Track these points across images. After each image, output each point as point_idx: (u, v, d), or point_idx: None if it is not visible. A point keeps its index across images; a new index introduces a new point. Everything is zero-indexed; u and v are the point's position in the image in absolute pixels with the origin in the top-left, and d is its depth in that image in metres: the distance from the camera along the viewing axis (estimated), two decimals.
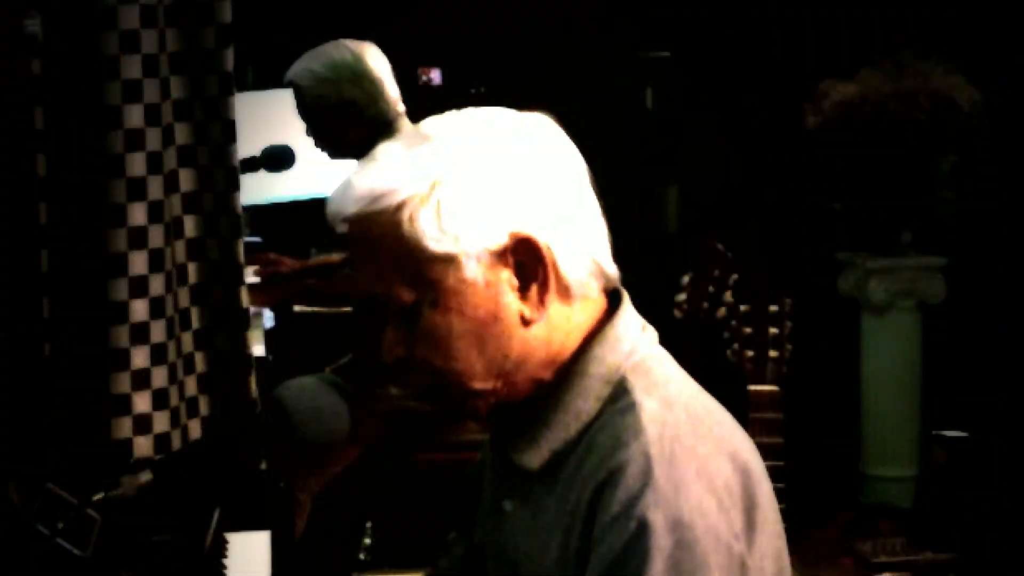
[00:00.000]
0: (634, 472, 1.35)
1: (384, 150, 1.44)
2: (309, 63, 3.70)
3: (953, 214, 5.27)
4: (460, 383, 1.45)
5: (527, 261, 1.41)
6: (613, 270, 1.48)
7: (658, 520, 1.32)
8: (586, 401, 1.45)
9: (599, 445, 1.41)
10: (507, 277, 1.41)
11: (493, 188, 1.39)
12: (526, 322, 1.43)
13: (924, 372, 5.23)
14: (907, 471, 5.16)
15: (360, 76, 3.67)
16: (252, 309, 2.98)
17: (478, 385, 1.45)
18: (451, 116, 1.47)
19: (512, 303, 1.42)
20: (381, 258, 1.42)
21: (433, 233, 1.39)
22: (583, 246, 1.44)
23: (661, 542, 1.32)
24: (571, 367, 1.46)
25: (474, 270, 1.40)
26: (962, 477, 4.56)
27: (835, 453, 5.27)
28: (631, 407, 1.42)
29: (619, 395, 1.44)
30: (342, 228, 1.44)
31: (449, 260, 1.40)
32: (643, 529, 1.32)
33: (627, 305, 1.50)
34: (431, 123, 1.46)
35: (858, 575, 4.38)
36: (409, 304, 1.42)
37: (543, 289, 1.42)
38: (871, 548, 4.48)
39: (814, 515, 4.79)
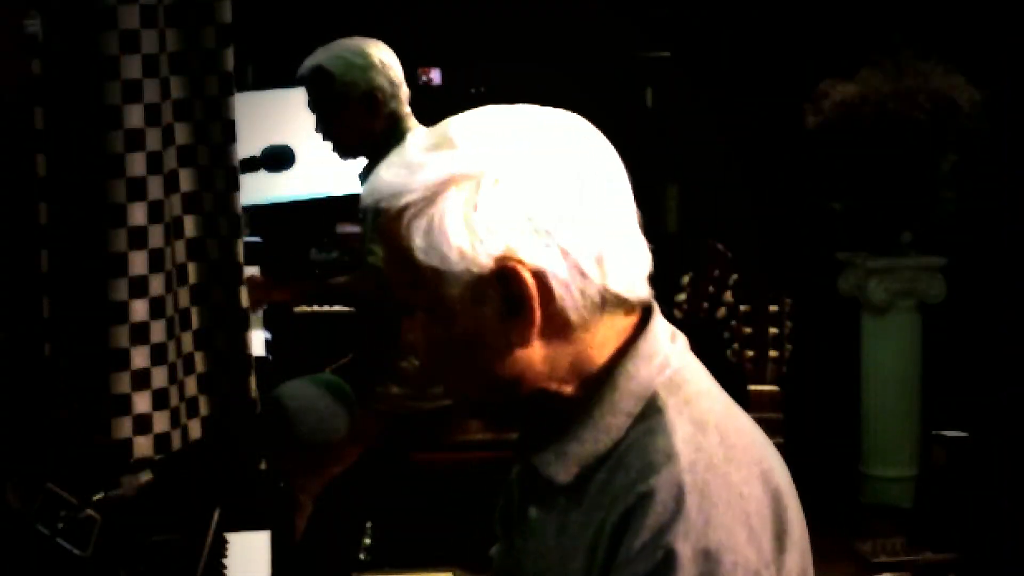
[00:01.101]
0: (665, 499, 1.32)
1: (412, 145, 1.41)
2: (337, 51, 3.76)
3: (953, 214, 5.27)
4: (454, 389, 1.45)
5: (512, 290, 1.36)
6: (637, 293, 1.42)
7: (686, 552, 1.30)
8: (616, 417, 1.41)
9: (629, 465, 1.37)
10: (493, 300, 1.37)
11: (491, 212, 1.35)
12: (512, 346, 1.38)
13: (924, 372, 5.23)
14: (907, 471, 5.16)
15: (386, 68, 3.76)
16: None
17: (474, 395, 1.44)
18: (485, 120, 1.41)
19: (497, 327, 1.38)
20: (389, 252, 1.41)
21: (421, 245, 1.36)
22: (594, 274, 1.37)
23: (686, 574, 1.29)
24: (602, 382, 1.42)
25: (460, 289, 1.36)
26: (962, 477, 4.55)
27: (835, 453, 5.26)
28: (663, 428, 1.38)
29: (651, 412, 1.40)
30: (368, 214, 1.43)
31: (436, 274, 1.37)
32: (669, 559, 1.29)
33: (657, 317, 1.46)
34: (463, 125, 1.40)
35: (858, 575, 4.38)
36: (408, 303, 1.42)
37: (527, 323, 1.37)
38: (871, 548, 4.48)
39: (814, 515, 4.78)
